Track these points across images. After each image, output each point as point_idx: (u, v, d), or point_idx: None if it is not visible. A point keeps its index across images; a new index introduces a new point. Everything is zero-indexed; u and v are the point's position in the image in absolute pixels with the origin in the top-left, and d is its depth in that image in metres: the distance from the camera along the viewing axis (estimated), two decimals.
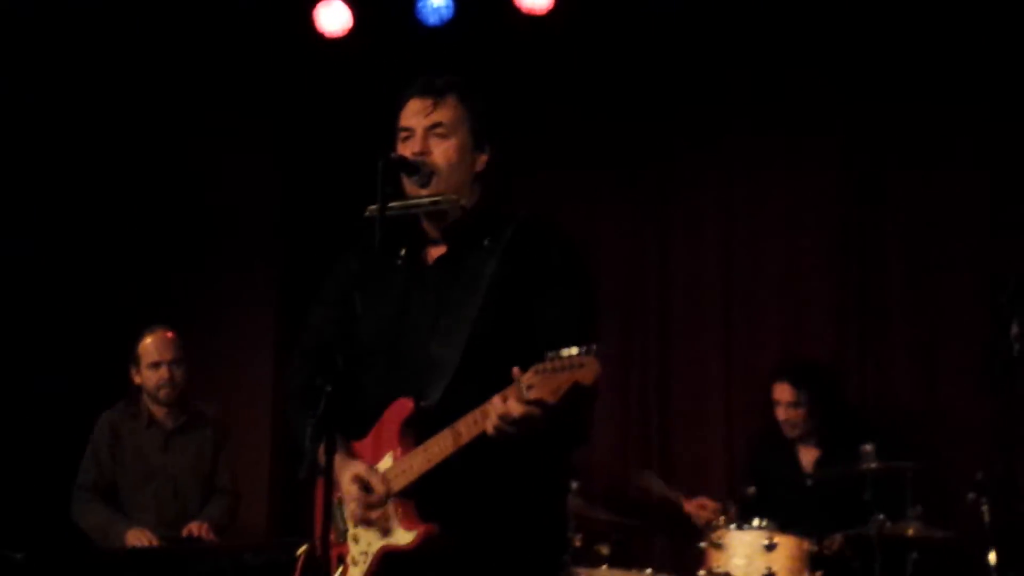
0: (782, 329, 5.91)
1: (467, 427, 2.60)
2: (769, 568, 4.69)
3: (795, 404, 5.30)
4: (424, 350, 2.75)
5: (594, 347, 2.45)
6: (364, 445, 2.80)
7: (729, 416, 5.96)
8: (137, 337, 5.04)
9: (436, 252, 2.87)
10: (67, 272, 5.97)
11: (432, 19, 5.82)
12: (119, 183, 6.16)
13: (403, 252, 2.88)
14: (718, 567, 4.74)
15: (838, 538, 4.95)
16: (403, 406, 2.73)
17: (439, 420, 2.66)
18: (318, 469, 2.57)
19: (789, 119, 5.91)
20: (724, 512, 5.09)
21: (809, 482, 5.15)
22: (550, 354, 2.46)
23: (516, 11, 5.79)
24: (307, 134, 6.33)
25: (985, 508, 4.71)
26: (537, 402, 2.46)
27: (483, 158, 2.86)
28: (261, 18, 5.96)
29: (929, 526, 4.82)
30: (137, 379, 5.04)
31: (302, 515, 2.77)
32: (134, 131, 6.17)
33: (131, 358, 5.03)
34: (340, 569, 2.80)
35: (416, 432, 2.71)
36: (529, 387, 2.46)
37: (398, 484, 2.71)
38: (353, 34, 5.89)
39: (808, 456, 5.38)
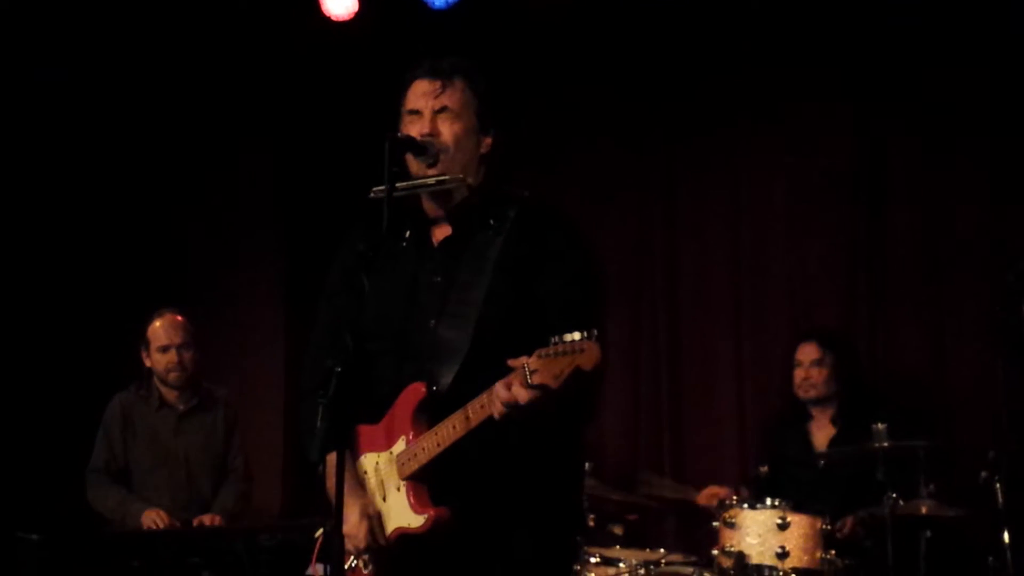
0: (792, 310, 5.90)
1: (475, 411, 2.61)
2: (782, 547, 4.69)
3: (819, 363, 5.31)
4: (434, 333, 2.76)
5: (595, 332, 2.46)
6: (377, 430, 2.81)
7: (740, 398, 5.95)
8: (147, 320, 5.06)
9: (441, 233, 2.87)
10: (80, 257, 5.99)
11: (438, 2, 5.81)
12: (130, 169, 6.17)
13: (407, 234, 2.89)
14: (731, 546, 4.75)
15: (849, 521, 4.95)
16: (416, 390, 2.74)
17: (451, 404, 2.67)
18: (330, 451, 2.57)
19: (798, 97, 5.89)
20: (736, 494, 5.10)
21: (821, 462, 5.15)
22: (553, 339, 2.47)
23: None
24: (313, 117, 6.33)
25: (998, 486, 4.70)
26: (540, 387, 2.47)
27: (488, 140, 2.87)
28: (267, 2, 5.96)
29: (942, 505, 4.81)
30: (147, 362, 5.06)
31: (315, 497, 2.77)
32: (144, 119, 6.17)
33: (141, 341, 5.05)
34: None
35: (428, 416, 2.72)
36: (533, 372, 2.47)
37: (410, 468, 2.72)
38: (359, 17, 5.87)
39: (821, 436, 5.37)
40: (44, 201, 5.92)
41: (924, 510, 4.78)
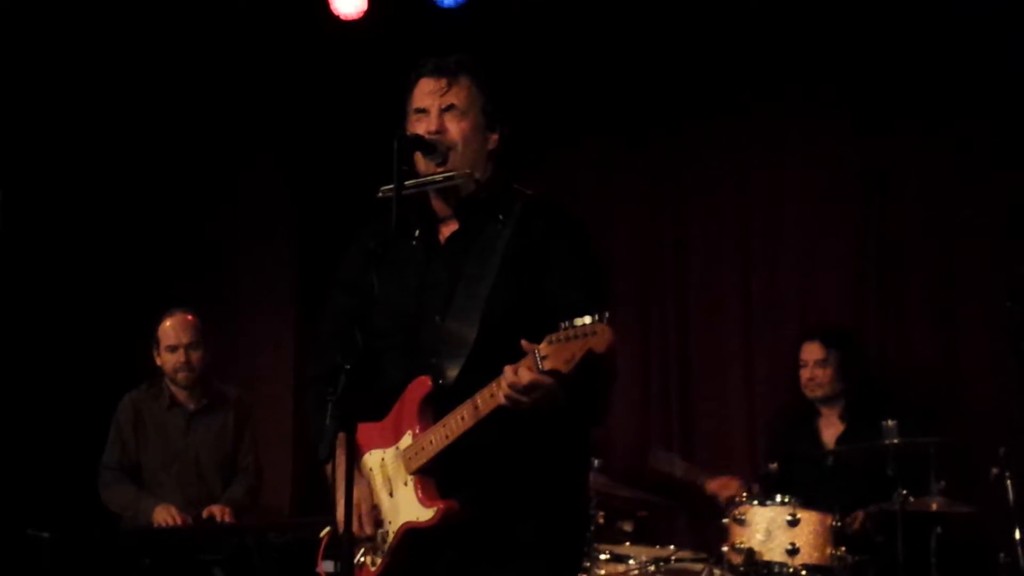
0: (801, 307, 5.89)
1: (484, 400, 2.61)
2: (792, 543, 4.69)
3: (823, 363, 5.30)
4: (441, 327, 2.77)
5: (606, 314, 2.46)
6: (384, 425, 2.81)
7: (750, 394, 5.95)
8: (158, 319, 5.08)
9: (448, 229, 2.88)
10: (93, 256, 6.00)
11: (447, 0, 5.81)
12: (143, 170, 6.18)
13: (416, 233, 2.89)
14: (741, 543, 4.74)
15: (859, 516, 4.94)
16: (422, 384, 2.75)
17: (458, 397, 2.67)
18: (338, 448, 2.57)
19: (806, 85, 5.87)
20: (747, 489, 5.09)
21: (831, 459, 5.14)
22: (563, 323, 2.47)
23: None
24: (324, 117, 6.34)
25: (1009, 483, 4.70)
26: (551, 372, 2.47)
27: (495, 137, 2.88)
28: (276, 2, 5.97)
29: (953, 501, 4.80)
30: (158, 361, 5.08)
31: (324, 495, 2.78)
32: (155, 119, 6.17)
33: (152, 340, 5.07)
34: (364, 549, 2.82)
35: (435, 410, 2.73)
36: (544, 358, 2.48)
37: (417, 462, 2.72)
38: (368, 16, 5.88)
39: (829, 433, 5.36)
40: (56, 201, 5.92)
41: (935, 506, 4.77)
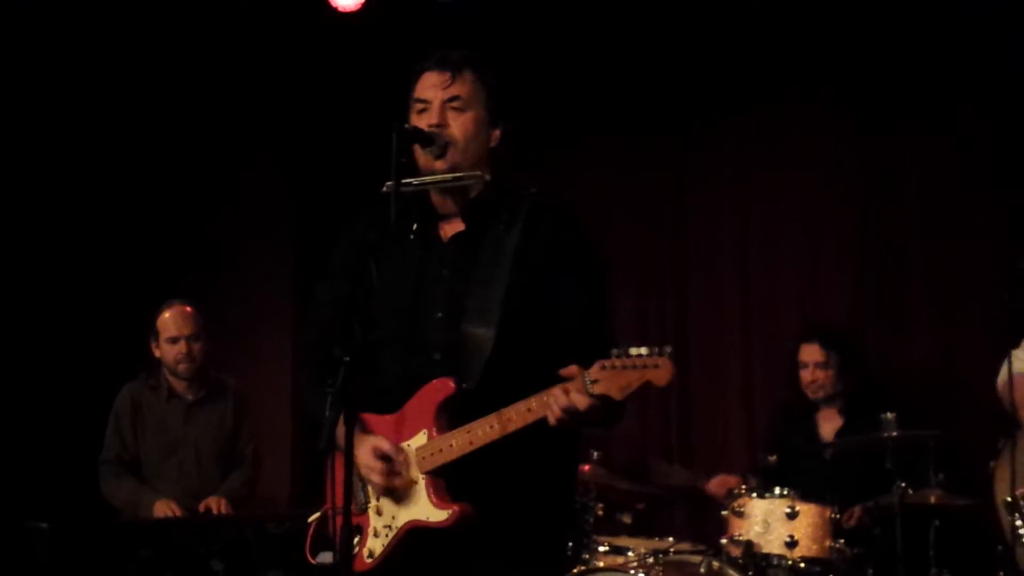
0: (800, 301, 5.90)
1: (519, 415, 2.60)
2: (791, 536, 4.69)
3: (824, 365, 5.30)
4: (451, 329, 2.75)
5: (668, 349, 2.48)
6: (387, 421, 2.79)
7: (748, 388, 5.96)
8: (156, 311, 5.07)
9: (450, 228, 2.86)
10: (91, 247, 6.00)
11: None
12: (141, 161, 6.17)
13: (415, 227, 2.88)
14: (740, 535, 4.75)
15: (856, 513, 4.95)
16: (444, 385, 2.72)
17: (477, 401, 2.66)
18: (336, 440, 2.57)
19: (806, 85, 5.88)
20: (745, 483, 5.10)
21: (829, 452, 5.14)
22: (614, 351, 2.49)
23: None
24: (323, 110, 6.33)
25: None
26: (602, 397, 2.50)
27: (497, 133, 2.86)
28: None
29: (951, 494, 4.81)
30: (156, 352, 5.08)
31: (324, 486, 2.78)
32: (153, 111, 6.16)
33: (150, 331, 5.07)
34: (358, 539, 2.81)
35: (453, 412, 2.71)
36: (594, 382, 2.50)
37: (433, 463, 2.71)
38: (366, 9, 5.86)
39: (828, 426, 5.37)
40: (53, 193, 5.92)
41: (933, 499, 4.78)
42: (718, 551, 4.83)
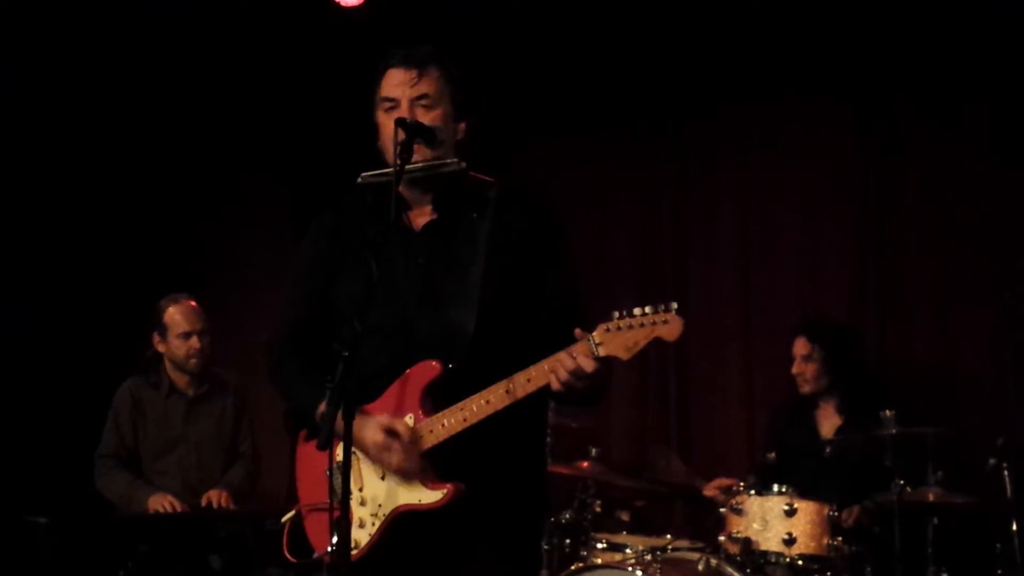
0: (800, 299, 5.89)
1: (519, 385, 2.63)
2: (789, 533, 4.69)
3: (808, 358, 5.29)
4: (432, 314, 2.78)
5: (674, 305, 2.55)
6: (377, 407, 2.80)
7: (748, 386, 5.96)
8: (161, 306, 5.06)
9: (420, 217, 2.90)
10: (90, 242, 6.00)
11: None
12: (141, 155, 6.18)
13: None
14: (738, 532, 4.74)
15: (854, 512, 4.94)
16: (429, 368, 2.74)
17: (462, 383, 2.69)
18: (337, 431, 2.57)
19: (805, 79, 5.87)
20: (743, 481, 5.10)
21: (828, 450, 5.14)
22: (616, 313, 2.55)
23: None
24: (324, 105, 6.32)
25: (1006, 474, 4.70)
26: (607, 359, 2.55)
27: (463, 127, 2.91)
28: None
29: (950, 492, 4.80)
30: (161, 348, 5.06)
31: (294, 484, 2.80)
32: (154, 105, 6.17)
33: (156, 327, 5.04)
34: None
35: (439, 394, 2.73)
36: (599, 344, 2.55)
37: (426, 443, 2.72)
38: (368, 4, 5.86)
39: (827, 424, 5.36)
40: (54, 190, 5.93)
41: (932, 497, 4.77)
42: (716, 548, 4.82)
